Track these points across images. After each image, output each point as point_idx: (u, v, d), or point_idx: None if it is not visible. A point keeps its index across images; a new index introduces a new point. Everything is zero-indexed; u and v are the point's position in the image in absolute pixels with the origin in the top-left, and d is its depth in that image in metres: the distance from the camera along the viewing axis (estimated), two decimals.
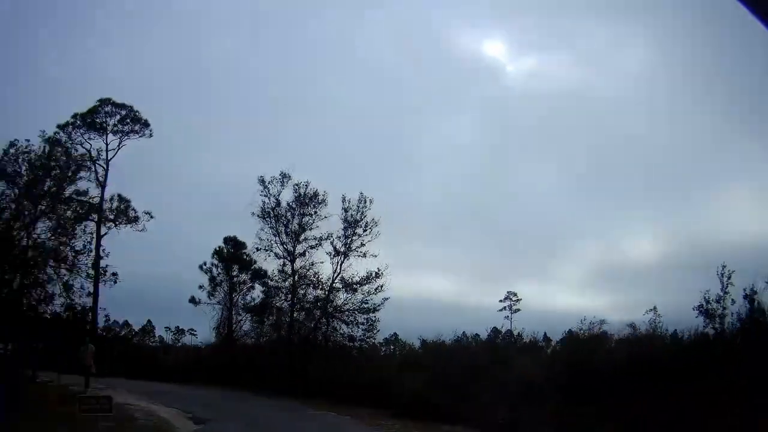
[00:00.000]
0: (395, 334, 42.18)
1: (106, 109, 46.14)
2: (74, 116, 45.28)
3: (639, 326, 19.07)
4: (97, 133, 45.38)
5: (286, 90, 61.06)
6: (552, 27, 60.22)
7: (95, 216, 42.63)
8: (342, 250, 30.64)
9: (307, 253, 31.04)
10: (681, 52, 54.00)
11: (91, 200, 43.62)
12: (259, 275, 35.13)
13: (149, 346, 50.33)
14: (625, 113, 54.39)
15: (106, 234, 43.68)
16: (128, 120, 45.84)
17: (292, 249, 31.13)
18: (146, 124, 46.08)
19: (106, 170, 44.72)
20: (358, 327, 30.64)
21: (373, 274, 30.22)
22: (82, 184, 43.49)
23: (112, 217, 41.93)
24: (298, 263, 31.23)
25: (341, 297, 30.73)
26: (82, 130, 45.27)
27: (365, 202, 31.18)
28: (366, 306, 30.56)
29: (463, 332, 26.43)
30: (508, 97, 59.07)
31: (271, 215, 31.24)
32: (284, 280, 31.53)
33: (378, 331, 30.81)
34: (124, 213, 40.92)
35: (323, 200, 31.56)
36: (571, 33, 59.91)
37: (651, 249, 44.37)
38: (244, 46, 66.31)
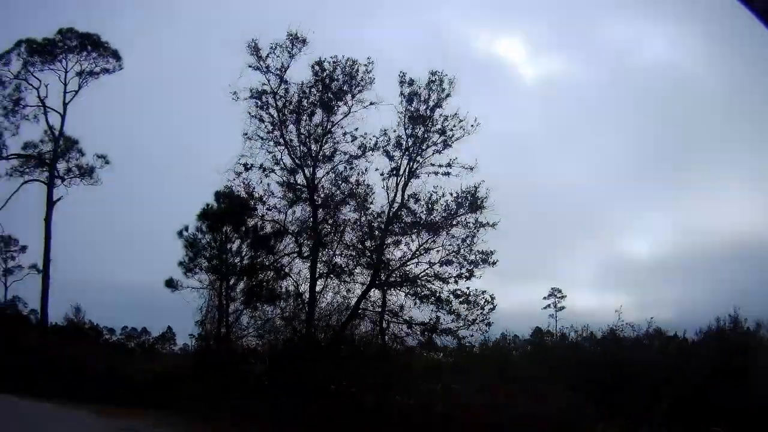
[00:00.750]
0: None
1: (67, 42, 33.63)
2: (18, 43, 32.75)
3: None
4: (50, 67, 32.77)
5: None
6: (569, 26, 54.33)
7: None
8: (408, 154, 15.89)
9: (337, 160, 16.22)
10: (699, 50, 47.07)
11: (41, 154, 31.00)
12: (265, 241, 20.41)
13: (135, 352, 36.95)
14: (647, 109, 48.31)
15: (60, 199, 30.79)
16: (92, 50, 33.06)
17: (313, 150, 16.31)
18: (116, 56, 33.16)
19: (63, 116, 31.88)
20: (443, 306, 15.70)
21: (467, 200, 15.45)
22: (29, 133, 31.05)
23: (60, 169, 28.67)
24: (324, 179, 16.42)
25: (404, 246, 15.84)
26: (33, 65, 32.81)
27: (442, 83, 16.61)
28: (463, 267, 15.63)
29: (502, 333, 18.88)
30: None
31: (272, 104, 16.79)
32: (292, 204, 16.69)
33: (493, 308, 15.67)
34: (63, 156, 27.75)
35: (366, 78, 17.04)
36: (590, 31, 54.00)
37: (668, 246, 38.97)
38: None
